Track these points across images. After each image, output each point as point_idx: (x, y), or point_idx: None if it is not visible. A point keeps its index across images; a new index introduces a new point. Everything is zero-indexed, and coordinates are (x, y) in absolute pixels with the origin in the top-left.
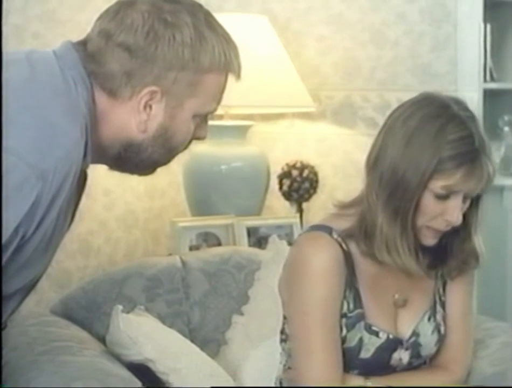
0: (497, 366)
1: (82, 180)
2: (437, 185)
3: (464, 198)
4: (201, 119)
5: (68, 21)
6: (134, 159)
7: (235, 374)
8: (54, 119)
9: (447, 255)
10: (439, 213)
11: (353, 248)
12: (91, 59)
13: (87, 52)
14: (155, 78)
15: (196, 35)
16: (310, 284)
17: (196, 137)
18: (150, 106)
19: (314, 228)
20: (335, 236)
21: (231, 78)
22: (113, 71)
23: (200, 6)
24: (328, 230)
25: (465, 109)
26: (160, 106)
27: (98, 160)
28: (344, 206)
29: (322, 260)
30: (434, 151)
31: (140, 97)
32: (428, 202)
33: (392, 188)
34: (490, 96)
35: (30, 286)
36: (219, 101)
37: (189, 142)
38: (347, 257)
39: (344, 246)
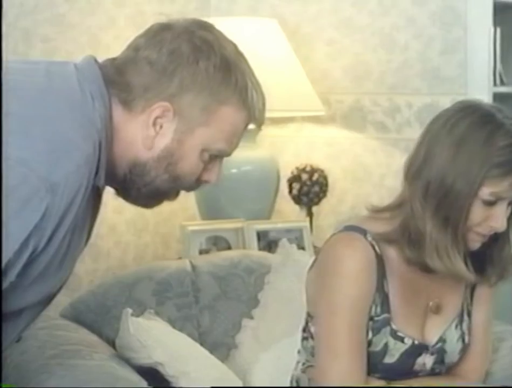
0: (507, 370)
1: (97, 198)
2: (487, 191)
3: (508, 204)
4: (211, 158)
5: (77, 25)
6: (138, 183)
7: (244, 378)
8: (67, 132)
9: (485, 262)
10: (484, 219)
11: (387, 252)
12: (115, 70)
13: (113, 65)
14: (170, 95)
15: (221, 66)
16: (341, 284)
17: (205, 179)
18: (161, 126)
19: (348, 228)
20: (369, 238)
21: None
22: (131, 82)
23: (236, 46)
24: (363, 232)
25: (508, 116)
26: (170, 127)
27: (107, 181)
28: (377, 210)
29: (355, 261)
30: (484, 158)
31: (151, 110)
32: (476, 209)
33: (441, 196)
34: (499, 100)
35: (46, 301)
36: (231, 143)
37: (198, 184)
38: (380, 261)
39: (377, 248)
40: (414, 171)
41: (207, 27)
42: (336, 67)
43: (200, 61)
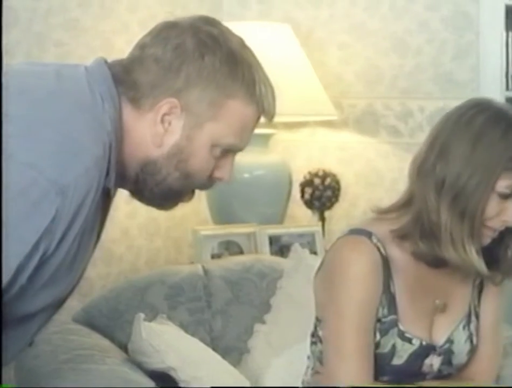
0: None
1: (107, 200)
2: (503, 184)
3: None
4: (222, 154)
5: (91, 29)
6: (150, 182)
7: (257, 383)
8: (76, 135)
9: (492, 260)
10: (497, 213)
11: (393, 252)
12: (122, 69)
13: (121, 65)
14: (176, 91)
15: (228, 60)
16: (348, 287)
17: (218, 176)
18: (169, 123)
19: (353, 231)
20: (374, 240)
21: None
22: (139, 80)
23: (242, 40)
24: (368, 234)
25: None
26: (179, 124)
27: (120, 183)
28: (383, 211)
29: (361, 264)
30: (502, 151)
31: (158, 107)
32: (491, 202)
33: (458, 190)
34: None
35: (57, 304)
36: (241, 138)
37: (211, 182)
38: (385, 262)
39: (382, 250)
40: (428, 167)
41: (213, 22)
42: (348, 71)
43: (206, 56)
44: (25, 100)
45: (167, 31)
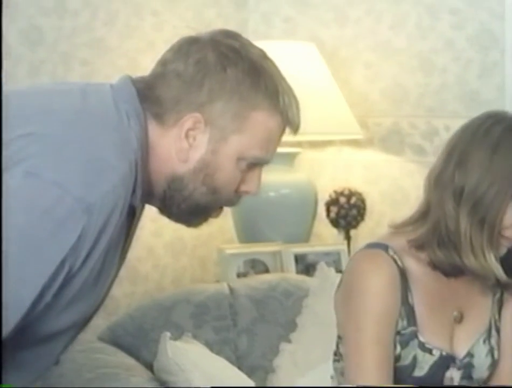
0: None
1: (133, 218)
2: None
3: None
4: (249, 168)
5: (116, 48)
6: (177, 198)
7: None
8: (102, 153)
9: (508, 269)
10: None
11: (409, 264)
12: (145, 85)
13: (144, 81)
14: (200, 105)
15: (250, 72)
16: (366, 301)
17: (244, 189)
18: (194, 138)
19: (370, 245)
20: (391, 253)
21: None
22: (162, 96)
23: (264, 52)
24: (384, 247)
25: None
26: (203, 138)
27: (147, 199)
28: (399, 225)
29: (379, 277)
30: None
31: (182, 122)
32: (509, 211)
33: (477, 199)
34: None
35: (82, 323)
36: (267, 150)
37: (238, 196)
38: (403, 274)
39: (399, 262)
40: (446, 177)
41: (233, 35)
42: (373, 90)
43: (228, 68)
44: (51, 119)
45: (188, 46)
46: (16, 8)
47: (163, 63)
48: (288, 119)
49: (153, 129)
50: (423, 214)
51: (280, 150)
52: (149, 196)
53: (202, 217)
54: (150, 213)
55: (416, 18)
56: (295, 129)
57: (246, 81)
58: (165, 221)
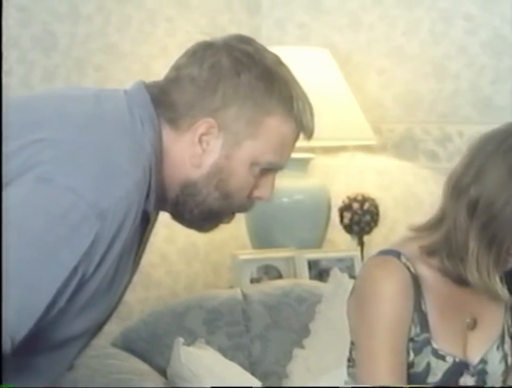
0: None
1: (147, 224)
2: None
3: None
4: (262, 173)
5: (129, 54)
6: (190, 203)
7: None
8: (115, 158)
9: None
10: None
11: (422, 271)
12: (159, 90)
13: (158, 86)
14: (213, 110)
15: (263, 77)
16: (378, 308)
17: (257, 195)
18: (207, 143)
19: (382, 252)
20: (403, 260)
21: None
22: (176, 101)
23: (278, 57)
24: (396, 254)
25: None
26: (217, 143)
27: (160, 205)
28: (419, 229)
29: (391, 284)
30: None
31: (196, 127)
32: None
33: (490, 216)
34: None
35: (96, 329)
36: (281, 155)
37: (251, 202)
38: (415, 281)
39: (412, 269)
40: (462, 186)
41: (247, 40)
42: (387, 95)
43: (242, 74)
44: (64, 124)
45: (202, 51)
46: (30, 14)
47: (177, 68)
48: (302, 125)
49: (167, 134)
50: (437, 221)
51: (293, 155)
52: (162, 201)
53: (214, 222)
54: (163, 219)
55: (429, 23)
56: (309, 135)
57: (259, 86)
58: (178, 227)
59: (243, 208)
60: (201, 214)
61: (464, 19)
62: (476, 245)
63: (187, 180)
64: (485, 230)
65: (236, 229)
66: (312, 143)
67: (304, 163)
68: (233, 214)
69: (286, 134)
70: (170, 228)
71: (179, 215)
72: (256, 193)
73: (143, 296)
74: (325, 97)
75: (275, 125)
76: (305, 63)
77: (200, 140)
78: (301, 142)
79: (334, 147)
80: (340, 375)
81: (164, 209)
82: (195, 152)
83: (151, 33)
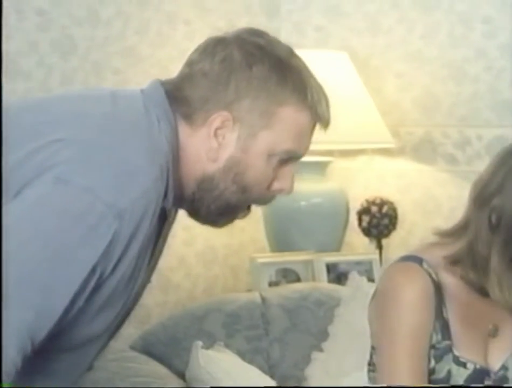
0: None
1: (166, 220)
2: None
3: None
4: (280, 163)
5: (148, 57)
6: (207, 199)
7: None
8: (132, 157)
9: None
10: None
11: (445, 278)
12: (173, 87)
13: (171, 83)
14: (227, 104)
15: (276, 68)
16: (399, 314)
17: (277, 187)
18: (223, 136)
19: (404, 258)
20: (425, 266)
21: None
22: (189, 96)
23: (291, 49)
24: (418, 260)
25: None
26: (232, 137)
27: (178, 203)
28: (443, 234)
29: (412, 290)
30: None
31: (211, 121)
32: None
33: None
34: None
35: (114, 329)
36: (298, 144)
37: (271, 195)
38: (437, 288)
39: (434, 276)
40: (485, 197)
41: (259, 33)
42: (405, 99)
43: (254, 66)
44: (81, 124)
45: (213, 46)
46: (49, 18)
47: (189, 64)
48: (317, 114)
49: (183, 130)
50: (462, 228)
51: (312, 159)
52: (179, 199)
53: (229, 217)
54: (182, 222)
55: (448, 27)
56: (325, 124)
57: (272, 78)
58: (197, 230)
59: (262, 201)
60: (218, 209)
61: (482, 22)
62: (498, 261)
63: (203, 175)
64: (507, 248)
65: (254, 233)
66: (331, 146)
67: (322, 166)
68: (249, 209)
69: (302, 124)
70: (188, 231)
71: (196, 212)
72: (276, 185)
73: (161, 300)
74: (343, 101)
75: (289, 115)
76: (323, 67)
77: (215, 134)
78: (319, 145)
79: (352, 151)
80: (359, 378)
81: (181, 206)
82: (211, 146)
83: (170, 36)
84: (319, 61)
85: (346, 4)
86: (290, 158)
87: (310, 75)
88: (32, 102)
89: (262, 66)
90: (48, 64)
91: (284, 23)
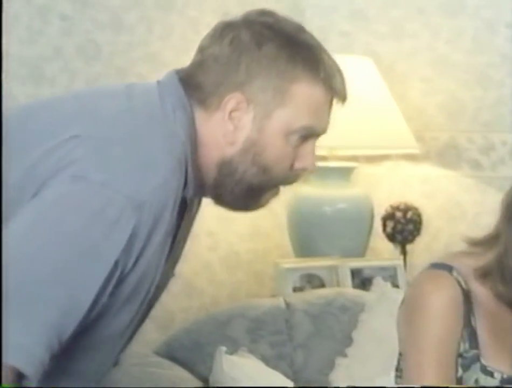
0: None
1: (188, 213)
2: None
3: None
4: (300, 140)
5: (172, 62)
6: (229, 183)
7: None
8: (148, 149)
9: None
10: None
11: (475, 287)
12: (187, 74)
13: (184, 71)
14: (239, 85)
15: (285, 45)
16: (428, 322)
17: (299, 166)
18: (239, 119)
19: (434, 266)
20: (455, 274)
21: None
22: (202, 81)
23: (301, 26)
24: (448, 268)
25: None
26: (248, 118)
27: (199, 191)
28: (474, 243)
29: (440, 298)
30: None
31: (224, 104)
32: None
33: None
34: None
35: (137, 325)
36: (316, 119)
37: (294, 174)
38: (466, 297)
39: (463, 284)
40: None
41: (268, 13)
42: (430, 104)
43: (263, 45)
44: (96, 120)
45: (222, 29)
46: (73, 23)
47: (200, 50)
48: (332, 88)
49: (199, 116)
50: (493, 238)
51: (336, 164)
52: (201, 187)
53: (257, 199)
54: (206, 227)
55: (473, 32)
56: (342, 98)
57: (282, 55)
58: (221, 235)
59: (286, 181)
60: (242, 192)
61: (507, 27)
62: None
63: (222, 160)
64: None
65: (279, 238)
66: (356, 152)
67: (347, 172)
68: (277, 187)
69: (316, 99)
70: (212, 236)
71: (220, 198)
72: (298, 164)
73: (185, 305)
74: (368, 106)
75: (303, 91)
76: (348, 72)
77: (230, 117)
78: (344, 151)
79: (377, 156)
80: (383, 383)
81: (205, 195)
82: (227, 129)
83: (194, 41)
84: (343, 67)
85: (370, 9)
86: (309, 135)
87: (323, 51)
88: (46, 102)
89: (271, 44)
90: (72, 69)
91: (308, 28)
